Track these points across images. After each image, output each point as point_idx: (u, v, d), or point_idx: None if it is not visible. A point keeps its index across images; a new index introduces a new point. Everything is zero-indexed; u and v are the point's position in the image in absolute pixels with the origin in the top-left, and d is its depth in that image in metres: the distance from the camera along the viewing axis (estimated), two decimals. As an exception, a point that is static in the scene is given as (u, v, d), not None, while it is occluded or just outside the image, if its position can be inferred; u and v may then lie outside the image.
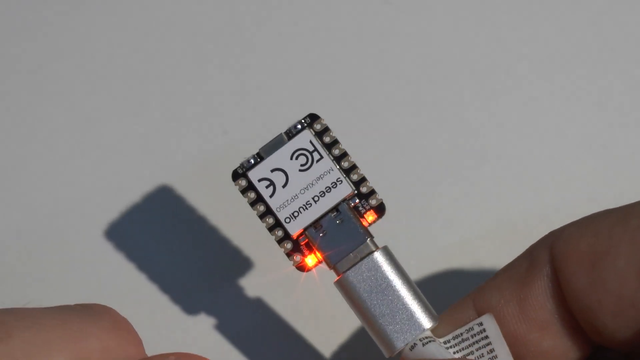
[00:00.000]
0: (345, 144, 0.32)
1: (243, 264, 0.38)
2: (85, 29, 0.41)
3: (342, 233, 0.31)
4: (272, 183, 0.31)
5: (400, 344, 0.30)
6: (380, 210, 0.32)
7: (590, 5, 0.41)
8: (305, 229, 0.31)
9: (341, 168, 0.32)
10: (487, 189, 0.39)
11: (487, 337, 0.30)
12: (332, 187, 0.31)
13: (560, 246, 0.30)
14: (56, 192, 0.39)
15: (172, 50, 0.41)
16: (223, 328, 0.38)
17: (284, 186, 0.31)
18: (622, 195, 0.38)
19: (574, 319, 0.30)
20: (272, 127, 0.40)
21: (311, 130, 0.32)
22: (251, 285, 0.38)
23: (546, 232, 0.31)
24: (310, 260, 0.31)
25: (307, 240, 0.31)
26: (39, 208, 0.39)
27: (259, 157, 0.32)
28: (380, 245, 0.31)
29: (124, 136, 0.40)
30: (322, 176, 0.31)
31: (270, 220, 0.31)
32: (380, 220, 0.32)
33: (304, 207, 0.31)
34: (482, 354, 0.30)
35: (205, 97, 0.40)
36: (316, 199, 0.31)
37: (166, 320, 0.38)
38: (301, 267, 0.31)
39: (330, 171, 0.31)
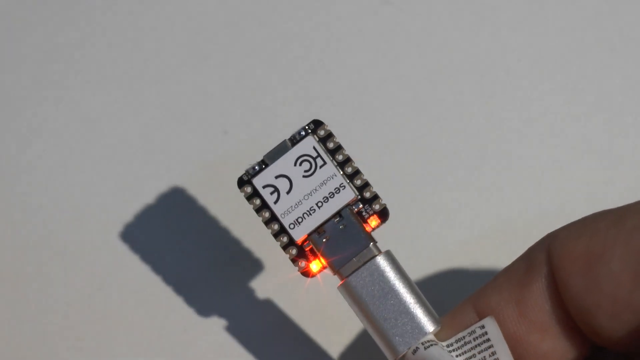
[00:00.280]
0: (343, 142, 0.32)
1: (247, 267, 0.38)
2: (85, 29, 0.41)
3: (345, 238, 0.31)
4: (276, 189, 0.31)
5: (402, 348, 0.30)
6: (383, 215, 0.32)
7: (590, 5, 0.41)
8: (310, 235, 0.31)
9: (345, 173, 0.32)
10: (487, 189, 0.39)
11: (488, 339, 0.30)
12: (336, 192, 0.31)
13: (557, 248, 0.30)
14: (56, 192, 0.39)
15: (173, 50, 0.41)
16: (227, 332, 0.38)
17: (288, 192, 0.31)
18: (621, 195, 0.38)
19: (572, 320, 0.30)
20: (272, 127, 0.40)
21: (315, 136, 0.32)
22: (256, 289, 0.38)
23: (545, 233, 0.31)
24: (315, 265, 0.32)
25: (311, 245, 0.32)
26: (40, 208, 0.39)
27: (264, 163, 0.32)
28: (383, 249, 0.31)
29: (124, 136, 0.40)
30: (325, 182, 0.31)
31: (276, 227, 0.32)
32: (381, 222, 0.32)
33: (308, 213, 0.31)
34: (484, 356, 0.30)
35: (205, 97, 0.40)
36: (320, 204, 0.31)
37: (168, 322, 0.38)
38: (306, 273, 0.32)
39: (334, 177, 0.31)
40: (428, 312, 0.31)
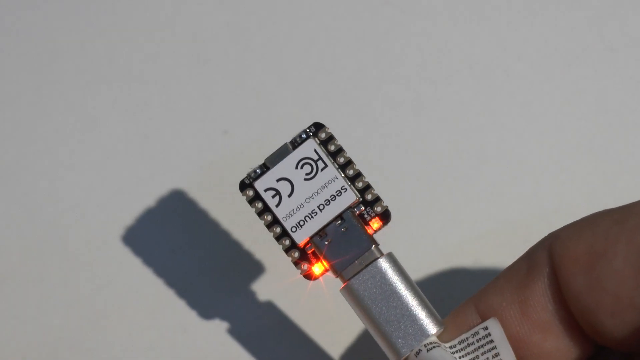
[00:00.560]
0: (343, 143, 0.32)
1: (250, 268, 0.38)
2: (85, 29, 0.41)
3: (347, 241, 0.31)
4: (278, 192, 0.31)
5: (405, 350, 0.30)
6: (385, 217, 0.32)
7: (590, 5, 0.41)
8: (311, 238, 0.31)
9: (346, 176, 0.32)
10: (487, 189, 0.39)
11: (492, 341, 0.30)
12: (337, 195, 0.31)
13: (559, 247, 0.30)
14: (57, 192, 0.39)
15: (173, 50, 0.41)
16: (228, 334, 0.38)
17: (289, 195, 0.31)
18: (622, 195, 0.38)
19: (574, 319, 0.30)
20: (272, 127, 0.40)
21: (316, 139, 0.32)
22: (257, 291, 0.38)
23: (546, 232, 0.31)
24: (317, 268, 0.32)
25: (313, 248, 0.32)
26: (41, 209, 0.39)
27: (265, 166, 0.32)
28: (384, 250, 0.31)
29: (124, 136, 0.40)
30: (326, 184, 0.31)
31: (278, 230, 0.32)
32: (382, 224, 0.32)
33: (310, 216, 0.31)
34: (487, 358, 0.30)
35: (206, 97, 0.40)
36: (321, 207, 0.31)
37: (168, 322, 0.38)
38: (308, 276, 0.32)
39: (335, 179, 0.31)
40: (430, 314, 0.31)
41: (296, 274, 0.32)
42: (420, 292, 0.31)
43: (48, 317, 0.38)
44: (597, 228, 0.29)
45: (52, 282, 0.39)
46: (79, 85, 0.41)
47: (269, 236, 0.32)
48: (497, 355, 0.30)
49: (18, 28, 0.41)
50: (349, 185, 0.32)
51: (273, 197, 0.31)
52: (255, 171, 0.32)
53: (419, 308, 0.31)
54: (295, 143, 0.32)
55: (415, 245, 0.38)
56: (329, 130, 0.32)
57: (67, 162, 0.40)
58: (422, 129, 0.40)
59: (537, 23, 0.41)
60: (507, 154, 0.39)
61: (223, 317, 0.38)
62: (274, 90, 0.40)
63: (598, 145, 0.39)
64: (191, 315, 0.38)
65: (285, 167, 0.31)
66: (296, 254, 0.32)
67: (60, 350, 0.38)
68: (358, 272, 0.31)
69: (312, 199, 0.31)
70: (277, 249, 0.32)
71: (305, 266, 0.32)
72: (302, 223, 0.31)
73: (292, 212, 0.31)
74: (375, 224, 0.32)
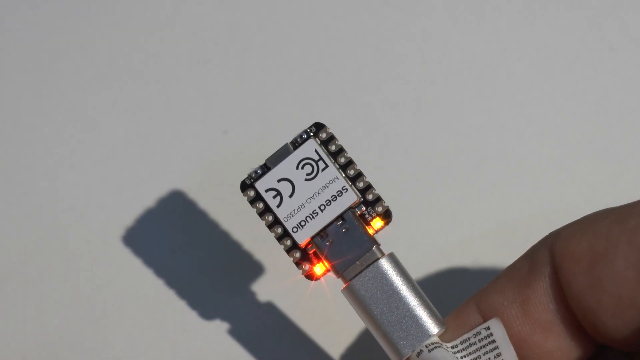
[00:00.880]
0: (344, 143, 0.32)
1: (250, 268, 0.38)
2: (86, 29, 0.41)
3: (348, 241, 0.31)
4: (279, 193, 0.31)
5: (407, 350, 0.30)
6: (386, 217, 0.32)
7: (590, 5, 0.41)
8: (313, 238, 0.31)
9: (347, 176, 0.32)
10: (487, 189, 0.39)
11: (494, 341, 0.30)
12: (338, 195, 0.31)
13: (560, 247, 0.30)
14: (57, 192, 0.39)
15: (173, 50, 0.41)
16: (228, 334, 0.38)
17: (290, 196, 0.31)
18: (622, 195, 0.38)
19: (576, 319, 0.30)
20: (272, 126, 0.40)
21: (316, 139, 0.32)
22: (258, 291, 0.38)
23: (546, 232, 0.31)
24: (319, 268, 0.32)
25: (315, 249, 0.31)
26: (41, 209, 0.39)
27: (266, 167, 0.32)
28: (386, 251, 0.31)
29: (124, 136, 0.40)
30: (327, 185, 0.31)
31: (279, 230, 0.32)
32: (383, 224, 0.32)
33: (311, 216, 0.31)
34: (489, 358, 0.30)
35: (206, 97, 0.40)
36: (322, 207, 0.31)
37: (168, 322, 0.38)
38: (309, 276, 0.32)
39: (336, 180, 0.31)
40: (432, 314, 0.31)
41: (296, 274, 0.32)
42: (422, 292, 0.31)
43: (48, 317, 0.38)
44: (599, 227, 0.29)
45: (52, 282, 0.38)
46: (79, 85, 0.41)
47: (269, 236, 0.32)
48: (499, 355, 0.30)
49: (18, 28, 0.41)
50: (350, 186, 0.32)
51: (274, 197, 0.31)
52: (256, 172, 0.32)
53: (421, 308, 0.31)
54: (296, 143, 0.32)
55: (415, 245, 0.38)
56: (330, 131, 0.32)
57: (67, 162, 0.40)
58: (422, 129, 0.40)
59: (537, 23, 0.41)
60: (507, 154, 0.39)
61: (223, 317, 0.38)
62: (274, 90, 0.40)
63: (598, 145, 0.39)
64: (191, 315, 0.38)
65: (286, 167, 0.31)
66: (297, 255, 0.32)
67: (60, 350, 0.38)
68: (359, 273, 0.31)
69: (313, 200, 0.31)
70: (277, 249, 0.32)
71: (306, 266, 0.32)
72: (303, 223, 0.31)
73: (293, 213, 0.31)
74: (376, 224, 0.32)
